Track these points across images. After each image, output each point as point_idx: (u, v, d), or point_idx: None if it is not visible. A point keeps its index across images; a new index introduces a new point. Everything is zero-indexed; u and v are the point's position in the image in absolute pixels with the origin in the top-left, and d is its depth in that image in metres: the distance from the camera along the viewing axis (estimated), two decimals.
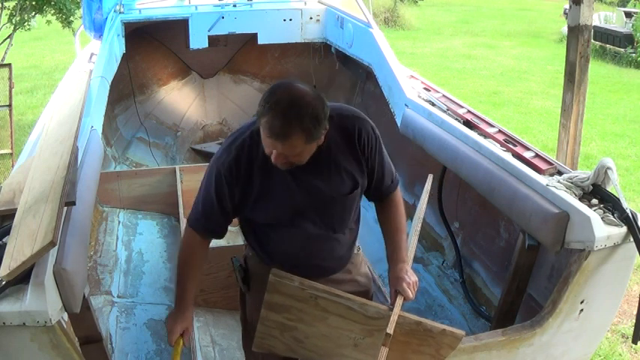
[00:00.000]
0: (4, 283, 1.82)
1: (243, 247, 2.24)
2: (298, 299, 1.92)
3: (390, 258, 2.10)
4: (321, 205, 1.98)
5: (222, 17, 5.25)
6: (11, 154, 5.29)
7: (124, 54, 4.79)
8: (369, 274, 2.35)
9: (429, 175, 2.69)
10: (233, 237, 4.11)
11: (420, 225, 2.33)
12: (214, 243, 4.04)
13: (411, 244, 2.24)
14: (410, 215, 2.52)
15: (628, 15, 12.34)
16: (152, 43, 5.70)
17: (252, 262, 2.16)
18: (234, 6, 5.42)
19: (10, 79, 5.51)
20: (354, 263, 2.25)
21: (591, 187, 2.38)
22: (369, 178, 2.03)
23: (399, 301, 1.98)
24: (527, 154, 2.71)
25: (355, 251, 2.25)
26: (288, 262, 2.03)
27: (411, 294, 2.00)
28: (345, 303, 1.93)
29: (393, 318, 1.89)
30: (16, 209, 2.12)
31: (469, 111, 3.31)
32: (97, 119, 3.40)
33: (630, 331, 3.27)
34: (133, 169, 4.84)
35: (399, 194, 2.13)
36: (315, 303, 1.93)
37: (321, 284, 1.97)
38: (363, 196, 2.11)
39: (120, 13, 4.93)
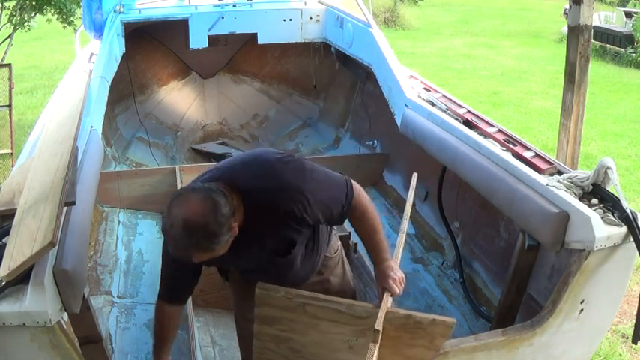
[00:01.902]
0: (4, 283, 1.82)
1: None
2: (287, 309, 1.94)
3: (373, 260, 2.13)
4: (266, 266, 2.04)
5: (222, 17, 5.25)
6: (11, 154, 5.29)
7: (124, 54, 4.79)
8: (348, 275, 2.39)
9: (414, 173, 2.68)
10: None
11: (406, 223, 2.34)
12: None
13: (397, 242, 2.25)
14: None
15: (628, 15, 12.34)
16: (152, 43, 5.70)
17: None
18: (234, 6, 5.42)
19: (10, 79, 5.51)
20: (327, 265, 2.28)
21: (591, 187, 2.38)
22: (315, 225, 2.04)
23: (386, 297, 2.01)
24: (527, 154, 2.71)
25: (331, 254, 2.28)
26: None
27: (397, 290, 2.03)
28: (332, 306, 1.94)
29: (381, 314, 1.90)
30: (16, 209, 2.12)
31: (469, 111, 3.31)
32: (97, 119, 3.40)
33: (630, 331, 3.27)
34: (133, 169, 4.84)
35: (360, 201, 2.03)
36: (304, 310, 1.95)
37: (307, 291, 2.01)
38: None
39: (120, 13, 4.93)
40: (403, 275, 2.09)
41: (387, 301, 1.99)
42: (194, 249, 1.72)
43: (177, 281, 2.09)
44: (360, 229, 2.11)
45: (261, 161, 1.92)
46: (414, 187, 2.57)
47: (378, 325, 1.86)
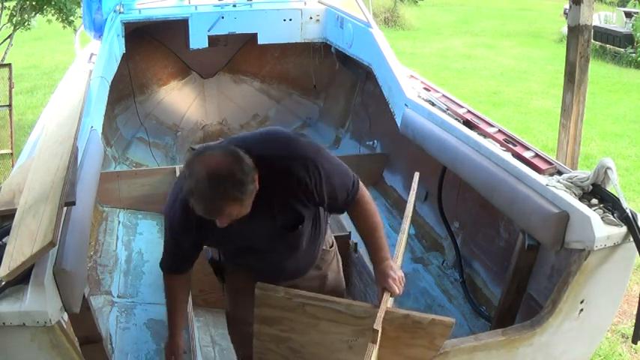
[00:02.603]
0: (4, 283, 1.82)
1: None
2: (287, 309, 1.94)
3: (373, 258, 2.13)
4: (272, 241, 2.02)
5: (222, 17, 5.25)
6: (11, 154, 5.29)
7: (123, 54, 4.79)
8: (341, 271, 2.41)
9: (416, 173, 2.68)
10: None
11: (408, 223, 2.34)
12: None
13: (398, 242, 2.25)
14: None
15: (628, 15, 12.34)
16: (152, 43, 5.70)
17: (227, 264, 2.28)
18: (234, 6, 5.42)
19: (10, 79, 5.51)
20: (325, 259, 2.30)
21: (591, 187, 2.38)
22: (319, 205, 2.02)
23: (386, 297, 2.00)
24: (527, 154, 2.71)
25: (327, 247, 2.30)
26: (258, 276, 2.08)
27: (397, 289, 2.02)
28: (332, 306, 1.95)
29: (380, 314, 1.90)
30: (16, 209, 2.12)
31: (469, 111, 3.31)
32: (97, 119, 3.40)
33: (630, 331, 3.27)
34: (133, 169, 4.84)
35: (363, 196, 2.06)
36: (304, 310, 1.95)
37: (307, 292, 2.01)
38: None
39: (120, 13, 4.93)
40: (403, 275, 2.09)
41: (387, 301, 1.99)
42: (223, 201, 1.68)
43: (180, 255, 2.08)
44: (361, 225, 2.11)
45: (276, 133, 1.97)
46: (416, 186, 2.57)
47: (377, 325, 1.86)
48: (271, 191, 1.85)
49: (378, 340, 1.87)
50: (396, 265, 2.12)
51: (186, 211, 1.82)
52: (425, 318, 1.94)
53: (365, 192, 2.07)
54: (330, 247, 2.34)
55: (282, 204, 1.92)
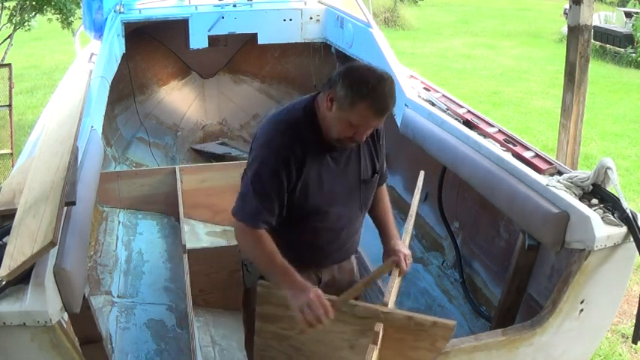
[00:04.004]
0: (4, 283, 1.82)
1: None
2: (289, 307, 1.93)
3: (385, 236, 2.20)
4: (352, 189, 2.07)
5: (222, 17, 5.25)
6: (11, 154, 5.29)
7: (124, 54, 4.79)
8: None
9: (421, 171, 2.69)
10: (233, 237, 4.11)
11: (412, 222, 2.35)
12: (214, 243, 4.05)
13: (402, 240, 2.26)
14: (406, 213, 2.53)
15: (628, 15, 12.34)
16: (152, 43, 5.70)
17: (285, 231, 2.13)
18: (234, 6, 5.43)
19: (10, 79, 5.51)
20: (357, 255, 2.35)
21: (591, 187, 2.38)
22: (377, 160, 2.13)
23: (395, 273, 2.09)
24: (527, 154, 2.71)
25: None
26: (311, 252, 2.09)
27: (405, 266, 2.12)
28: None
29: (389, 289, 2.00)
30: (16, 209, 2.12)
31: (469, 111, 3.31)
32: (97, 119, 3.40)
33: (630, 331, 3.27)
34: (133, 169, 4.84)
35: (385, 187, 2.29)
36: None
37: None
38: None
39: (120, 13, 4.93)
40: (409, 253, 2.17)
41: (396, 277, 2.08)
42: (393, 100, 1.86)
43: (272, 201, 1.93)
44: (381, 205, 2.24)
45: None
46: (421, 186, 2.57)
47: (387, 299, 1.95)
48: None
49: (379, 340, 1.87)
50: (406, 240, 2.23)
51: (294, 139, 1.91)
52: (427, 320, 1.93)
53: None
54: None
55: (363, 149, 2.06)
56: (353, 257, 2.32)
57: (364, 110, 1.83)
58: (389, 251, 2.16)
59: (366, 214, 2.23)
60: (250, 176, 1.95)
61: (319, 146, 1.95)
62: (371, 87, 1.81)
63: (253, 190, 1.93)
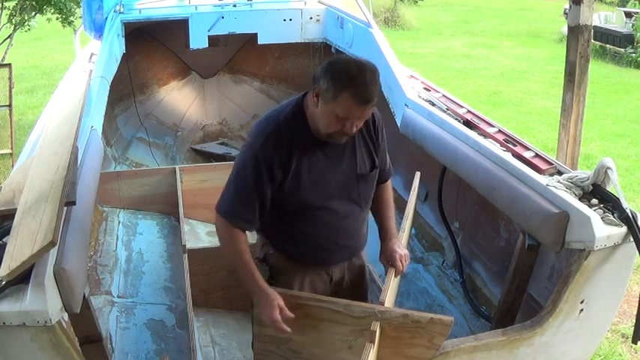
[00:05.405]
0: (4, 283, 1.82)
1: (259, 247, 2.22)
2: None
3: (383, 234, 2.20)
4: (348, 184, 2.06)
5: (222, 17, 5.25)
6: (11, 154, 5.29)
7: (124, 54, 4.79)
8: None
9: (417, 172, 2.69)
10: None
11: (408, 223, 2.36)
12: (214, 243, 4.04)
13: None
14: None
15: (628, 15, 12.34)
16: (152, 43, 5.70)
17: (275, 260, 2.15)
18: (234, 6, 5.43)
19: (10, 79, 5.51)
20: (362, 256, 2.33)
21: (591, 187, 2.38)
22: (377, 155, 2.13)
23: (391, 272, 2.09)
24: (527, 154, 2.71)
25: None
26: (317, 250, 2.09)
27: (401, 266, 2.13)
28: (329, 307, 1.95)
29: (386, 287, 2.00)
30: (16, 209, 2.12)
31: (469, 111, 3.31)
32: (97, 119, 3.40)
33: (630, 331, 3.27)
34: (133, 169, 4.84)
35: (391, 183, 2.29)
36: (302, 311, 1.95)
37: (305, 292, 2.00)
38: None
39: (120, 13, 4.93)
40: (407, 253, 2.18)
41: (392, 276, 2.08)
42: (376, 88, 1.86)
43: (254, 200, 1.96)
44: (384, 204, 2.24)
45: None
46: (417, 186, 2.57)
47: (384, 297, 1.95)
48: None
49: (377, 339, 1.88)
50: (403, 241, 2.23)
51: (280, 137, 1.93)
52: (424, 317, 1.94)
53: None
54: None
55: (360, 143, 2.06)
56: (363, 253, 2.31)
57: (347, 100, 1.83)
58: (386, 250, 2.17)
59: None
60: (234, 175, 2.00)
61: (309, 143, 1.96)
62: (352, 76, 1.83)
63: (235, 188, 1.98)
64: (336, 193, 2.05)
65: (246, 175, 1.96)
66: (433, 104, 3.52)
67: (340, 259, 2.19)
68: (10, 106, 5.50)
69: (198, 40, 5.25)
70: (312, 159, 1.98)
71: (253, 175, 1.94)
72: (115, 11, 4.91)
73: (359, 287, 2.29)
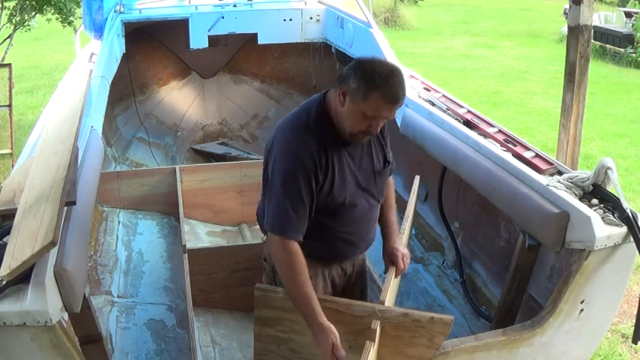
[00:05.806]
0: (4, 282, 1.82)
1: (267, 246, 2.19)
2: (286, 309, 1.95)
3: (386, 233, 2.24)
4: (368, 180, 2.11)
5: (222, 17, 5.25)
6: (11, 154, 5.29)
7: (124, 54, 4.79)
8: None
9: (416, 176, 2.71)
10: (233, 237, 4.12)
11: (409, 224, 2.36)
12: (214, 243, 4.04)
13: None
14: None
15: (628, 15, 12.34)
16: (152, 43, 5.70)
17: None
18: (234, 6, 5.43)
19: (10, 79, 5.51)
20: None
21: (591, 187, 2.38)
22: (385, 151, 2.18)
23: (391, 271, 2.12)
24: (527, 154, 2.71)
25: None
26: (343, 245, 2.12)
27: (402, 265, 2.17)
28: (331, 306, 1.96)
29: (386, 287, 2.01)
30: (16, 209, 2.12)
31: (469, 111, 3.31)
32: (97, 119, 3.40)
33: (630, 331, 3.27)
34: (133, 169, 4.84)
35: (393, 181, 2.33)
36: None
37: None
38: None
39: (120, 13, 4.93)
40: (408, 252, 2.21)
41: (392, 275, 2.10)
42: (404, 89, 1.90)
43: (303, 209, 1.95)
44: (385, 200, 2.26)
45: None
46: (416, 190, 2.58)
47: (384, 297, 1.96)
48: None
49: (377, 338, 1.88)
50: (403, 243, 2.26)
51: (316, 140, 1.94)
52: (424, 316, 1.95)
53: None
54: None
55: (374, 142, 2.12)
56: None
57: (377, 100, 1.86)
58: (388, 249, 2.20)
59: None
60: (280, 188, 1.94)
61: (337, 144, 1.99)
62: (383, 77, 1.86)
63: (290, 203, 1.93)
64: (360, 190, 2.09)
65: (297, 186, 1.92)
66: (433, 104, 3.52)
67: (356, 253, 2.24)
68: (10, 106, 5.50)
69: (198, 40, 5.25)
70: (340, 158, 2.01)
71: (304, 184, 1.93)
72: (115, 11, 4.90)
73: (363, 278, 2.37)
